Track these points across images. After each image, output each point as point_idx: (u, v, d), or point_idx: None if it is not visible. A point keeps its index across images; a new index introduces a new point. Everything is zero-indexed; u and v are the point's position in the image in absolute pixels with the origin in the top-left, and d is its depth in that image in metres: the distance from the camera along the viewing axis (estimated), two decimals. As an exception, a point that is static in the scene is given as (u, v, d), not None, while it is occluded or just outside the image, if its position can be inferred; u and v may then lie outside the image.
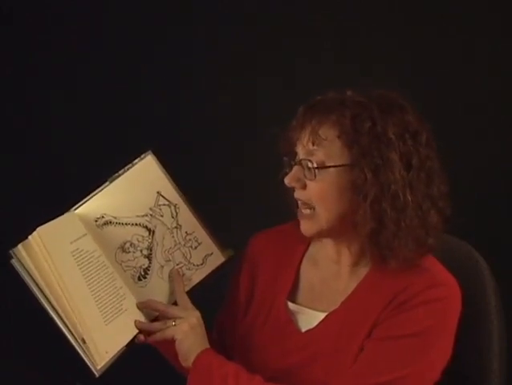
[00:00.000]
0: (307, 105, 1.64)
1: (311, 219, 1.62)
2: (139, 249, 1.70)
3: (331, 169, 1.59)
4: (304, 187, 1.62)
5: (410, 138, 1.58)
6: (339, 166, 1.59)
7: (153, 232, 1.72)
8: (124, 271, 1.68)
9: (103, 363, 1.59)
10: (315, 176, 1.59)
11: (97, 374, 1.58)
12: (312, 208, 1.62)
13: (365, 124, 1.57)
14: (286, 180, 1.63)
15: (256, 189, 2.43)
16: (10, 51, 2.86)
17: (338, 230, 1.63)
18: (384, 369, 1.56)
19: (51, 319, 1.57)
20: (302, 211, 1.64)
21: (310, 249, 1.75)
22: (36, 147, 2.87)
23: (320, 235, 1.65)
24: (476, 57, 2.46)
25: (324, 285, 1.70)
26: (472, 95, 2.46)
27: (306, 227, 1.64)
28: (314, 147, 1.60)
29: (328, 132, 1.59)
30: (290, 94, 2.40)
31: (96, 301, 1.61)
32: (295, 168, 1.63)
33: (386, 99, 1.62)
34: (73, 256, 1.61)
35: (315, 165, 1.59)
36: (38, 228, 1.58)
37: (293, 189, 1.64)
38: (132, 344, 1.64)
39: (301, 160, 1.62)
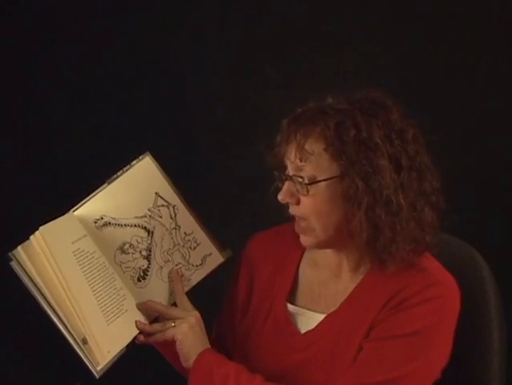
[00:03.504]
0: (290, 118, 1.62)
1: (309, 232, 1.62)
2: (138, 250, 1.70)
3: (323, 182, 1.58)
4: (298, 202, 1.61)
5: (397, 138, 1.57)
6: (330, 178, 1.58)
7: (152, 233, 1.72)
8: (124, 272, 1.68)
9: (104, 363, 1.59)
10: (308, 191, 1.58)
11: (97, 376, 1.58)
12: (308, 220, 1.61)
13: (350, 133, 1.55)
14: (280, 197, 1.62)
15: (256, 189, 2.42)
16: (10, 51, 2.85)
17: (335, 240, 1.62)
18: (383, 368, 1.56)
19: (51, 321, 1.57)
20: (300, 224, 1.63)
21: (309, 250, 1.74)
22: (36, 147, 2.87)
23: (319, 246, 1.65)
24: (476, 56, 2.46)
25: (323, 286, 1.70)
26: (472, 93, 2.46)
27: (305, 240, 1.64)
28: (303, 163, 1.59)
29: (314, 146, 1.58)
30: (290, 94, 2.40)
31: (98, 302, 1.61)
32: (287, 184, 1.62)
33: (368, 102, 1.60)
34: (74, 256, 1.61)
35: (307, 181, 1.58)
36: (40, 228, 1.58)
37: (287, 205, 1.64)
38: (131, 345, 1.64)
39: (292, 176, 1.61)
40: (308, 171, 1.58)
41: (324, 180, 1.57)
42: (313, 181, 1.58)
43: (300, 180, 1.59)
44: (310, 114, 1.60)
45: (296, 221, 1.64)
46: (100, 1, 2.79)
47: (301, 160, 1.58)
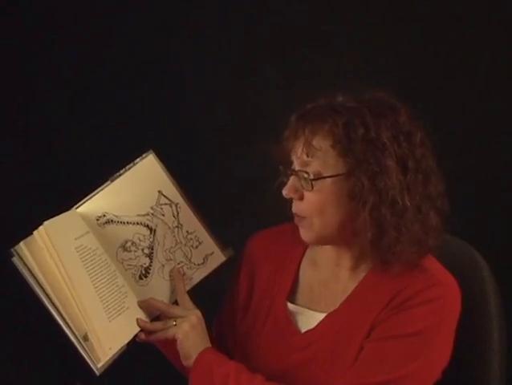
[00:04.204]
0: (299, 114, 1.62)
1: (310, 228, 1.62)
2: (140, 247, 1.70)
3: (328, 179, 1.58)
4: (302, 198, 1.61)
5: (405, 140, 1.57)
6: (336, 176, 1.58)
7: (154, 231, 1.72)
8: (126, 270, 1.68)
9: (105, 360, 1.59)
10: (312, 187, 1.58)
11: (98, 373, 1.58)
12: (309, 217, 1.61)
13: (358, 131, 1.55)
14: (284, 192, 1.62)
15: (256, 189, 2.43)
16: (10, 51, 2.85)
17: (337, 237, 1.63)
18: (384, 368, 1.56)
19: (52, 318, 1.57)
20: (301, 220, 1.63)
21: (310, 249, 1.75)
22: (36, 147, 2.87)
23: (320, 242, 1.65)
24: (476, 56, 2.47)
25: (323, 285, 1.70)
26: (472, 93, 2.46)
27: (306, 235, 1.64)
28: (309, 158, 1.59)
29: (322, 142, 1.58)
30: (290, 94, 2.41)
31: (100, 298, 1.61)
32: (292, 179, 1.62)
33: (378, 102, 1.60)
34: (77, 252, 1.61)
35: (312, 176, 1.58)
36: (44, 223, 1.58)
37: (290, 200, 1.63)
38: (132, 342, 1.64)
39: (297, 171, 1.61)
40: (314, 167, 1.58)
41: (330, 176, 1.58)
42: (318, 177, 1.58)
43: (306, 175, 1.59)
44: (320, 111, 1.60)
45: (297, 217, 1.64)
46: (100, 1, 2.79)
47: (308, 156, 1.58)
